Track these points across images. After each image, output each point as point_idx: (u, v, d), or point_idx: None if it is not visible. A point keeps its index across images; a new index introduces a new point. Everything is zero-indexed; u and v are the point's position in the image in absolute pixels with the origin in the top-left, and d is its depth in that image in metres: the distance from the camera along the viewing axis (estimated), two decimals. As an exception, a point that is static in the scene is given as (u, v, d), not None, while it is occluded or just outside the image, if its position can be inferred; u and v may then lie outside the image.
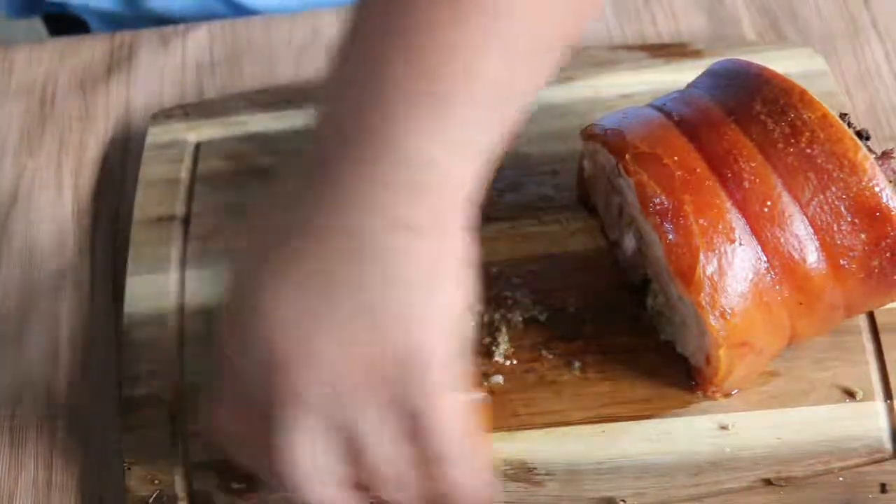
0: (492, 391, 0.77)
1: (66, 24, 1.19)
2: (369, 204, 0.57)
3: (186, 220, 0.88)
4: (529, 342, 0.79)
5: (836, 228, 0.69)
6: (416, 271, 0.57)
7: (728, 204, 0.69)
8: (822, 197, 0.69)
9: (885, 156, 0.73)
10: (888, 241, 0.70)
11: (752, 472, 0.72)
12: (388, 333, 0.56)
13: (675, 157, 0.71)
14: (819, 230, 0.69)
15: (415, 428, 0.58)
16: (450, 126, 0.57)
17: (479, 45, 0.57)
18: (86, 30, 1.15)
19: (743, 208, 0.70)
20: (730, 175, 0.70)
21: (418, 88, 0.57)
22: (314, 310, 0.56)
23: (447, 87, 0.57)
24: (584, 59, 0.92)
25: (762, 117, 0.71)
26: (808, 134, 0.70)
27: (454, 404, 0.58)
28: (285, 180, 0.61)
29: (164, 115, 0.93)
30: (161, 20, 1.04)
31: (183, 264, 0.85)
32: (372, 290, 0.56)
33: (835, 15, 0.97)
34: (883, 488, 0.71)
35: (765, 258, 0.70)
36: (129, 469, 0.75)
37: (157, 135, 0.92)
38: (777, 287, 0.70)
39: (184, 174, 0.90)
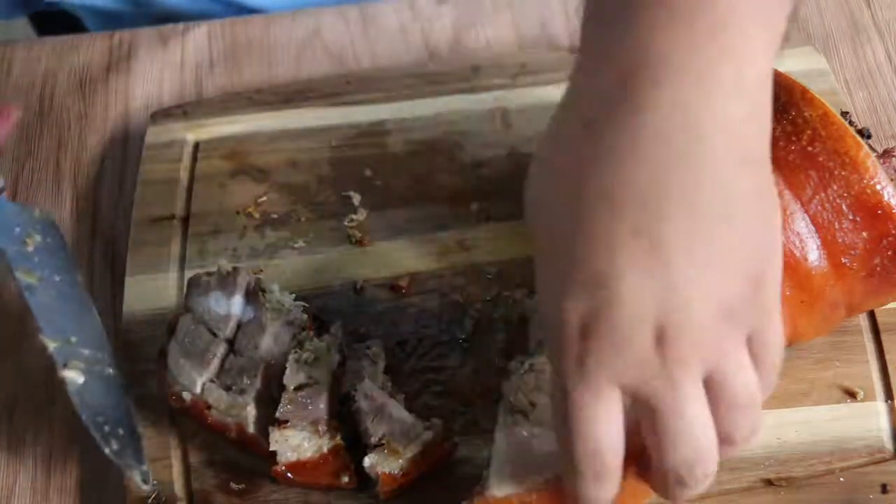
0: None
1: (55, 24, 1.18)
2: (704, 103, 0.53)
3: (186, 220, 0.88)
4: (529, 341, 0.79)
5: (837, 226, 0.69)
6: (760, 202, 0.55)
7: (729, 202, 0.69)
8: (823, 195, 0.69)
9: (886, 154, 0.73)
10: (889, 239, 0.69)
11: (752, 473, 0.72)
12: (749, 263, 0.55)
13: (676, 156, 0.71)
14: (820, 228, 0.69)
15: (754, 349, 0.57)
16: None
17: None
18: (78, 28, 1.14)
19: (744, 207, 0.69)
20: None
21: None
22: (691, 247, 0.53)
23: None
24: (585, 58, 0.92)
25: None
26: (809, 132, 0.70)
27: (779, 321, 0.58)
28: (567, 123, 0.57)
29: (164, 114, 0.93)
30: (160, 18, 1.04)
31: (182, 264, 0.85)
32: (732, 220, 0.54)
33: (836, 14, 0.97)
34: (884, 488, 0.71)
35: (766, 257, 0.69)
36: (128, 469, 0.75)
37: (157, 134, 0.92)
38: (778, 286, 0.70)
39: (183, 174, 0.90)
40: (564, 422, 0.56)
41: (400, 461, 0.70)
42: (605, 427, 0.55)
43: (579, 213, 0.54)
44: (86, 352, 0.76)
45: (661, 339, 0.53)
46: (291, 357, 0.72)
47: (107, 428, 0.72)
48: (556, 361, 0.56)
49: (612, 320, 0.53)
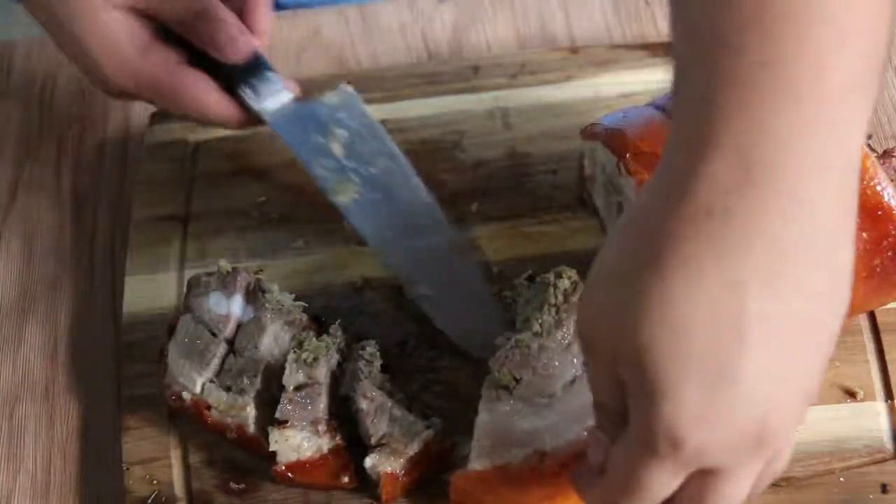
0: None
1: None
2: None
3: (185, 220, 0.88)
4: (529, 342, 0.79)
5: (837, 227, 0.69)
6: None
7: (729, 203, 0.69)
8: (823, 196, 0.69)
9: (886, 155, 0.73)
10: (890, 239, 0.69)
11: (752, 472, 0.72)
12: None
13: (676, 156, 0.71)
14: (820, 229, 0.69)
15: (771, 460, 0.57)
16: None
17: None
18: None
19: (744, 207, 0.69)
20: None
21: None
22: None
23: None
24: (584, 58, 0.92)
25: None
26: (809, 133, 0.70)
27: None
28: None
29: (163, 114, 0.93)
30: None
31: (182, 264, 0.85)
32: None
33: (835, 14, 0.97)
34: (884, 488, 0.71)
35: (766, 257, 0.69)
36: (128, 469, 0.75)
37: (156, 134, 0.92)
38: (778, 286, 0.70)
39: (183, 174, 0.90)
40: (624, 478, 0.56)
41: (401, 460, 0.70)
42: (663, 495, 0.56)
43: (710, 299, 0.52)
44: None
45: (761, 435, 0.53)
46: (290, 357, 0.72)
47: None
48: (643, 431, 0.55)
49: (727, 408, 0.53)
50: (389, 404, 0.72)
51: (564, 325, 0.70)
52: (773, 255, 0.52)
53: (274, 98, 0.82)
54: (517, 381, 0.69)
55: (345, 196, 0.81)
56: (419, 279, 0.79)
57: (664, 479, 0.55)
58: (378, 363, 0.75)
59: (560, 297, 0.71)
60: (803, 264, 0.53)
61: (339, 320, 0.77)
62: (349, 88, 0.83)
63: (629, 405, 0.55)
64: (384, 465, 0.70)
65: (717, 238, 0.52)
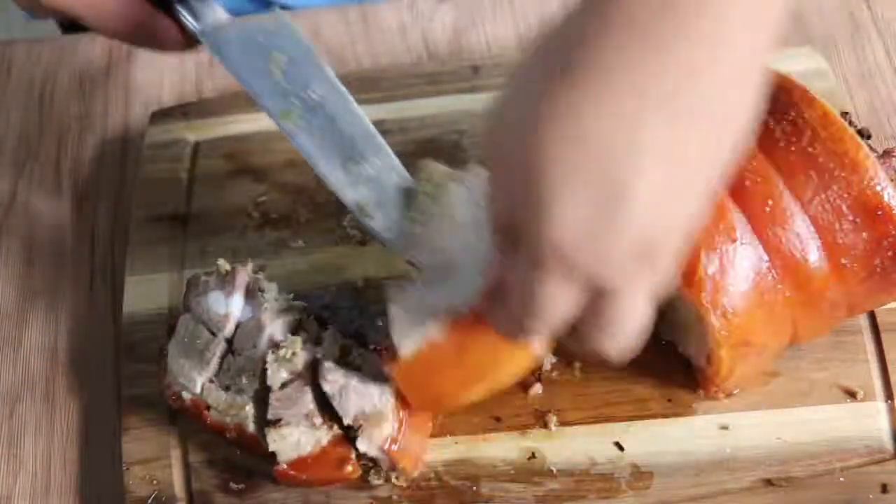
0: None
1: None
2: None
3: (186, 220, 0.88)
4: (529, 342, 0.79)
5: (837, 227, 0.69)
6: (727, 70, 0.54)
7: (729, 203, 0.69)
8: (823, 196, 0.69)
9: (886, 154, 0.73)
10: (890, 239, 0.69)
11: (752, 473, 0.72)
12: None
13: (676, 156, 0.71)
14: (820, 229, 0.69)
15: None
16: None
17: None
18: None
19: (744, 207, 0.69)
20: (730, 174, 0.70)
21: None
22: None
23: None
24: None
25: (763, 116, 0.71)
26: (809, 133, 0.70)
27: None
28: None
29: (163, 114, 0.93)
30: None
31: (182, 264, 0.85)
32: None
33: (835, 13, 0.97)
34: (884, 489, 0.71)
35: (766, 257, 0.69)
36: (128, 469, 0.75)
37: (156, 134, 0.92)
38: (778, 286, 0.70)
39: (183, 174, 0.90)
40: (521, 296, 0.57)
41: (388, 422, 0.71)
42: (562, 311, 0.57)
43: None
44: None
45: (647, 252, 0.54)
46: (270, 358, 0.72)
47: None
48: (532, 247, 0.55)
49: (613, 224, 0.53)
50: (351, 382, 0.72)
51: (444, 209, 0.74)
52: (682, 77, 0.53)
53: (211, 16, 0.79)
54: (414, 265, 0.72)
55: (290, 122, 0.79)
56: (365, 200, 0.78)
57: (558, 295, 0.55)
58: (337, 340, 0.75)
59: (428, 187, 0.75)
60: (709, 87, 0.53)
61: (311, 314, 0.77)
62: (285, 16, 0.81)
63: (520, 220, 0.55)
64: (376, 437, 0.70)
65: (631, 51, 0.53)
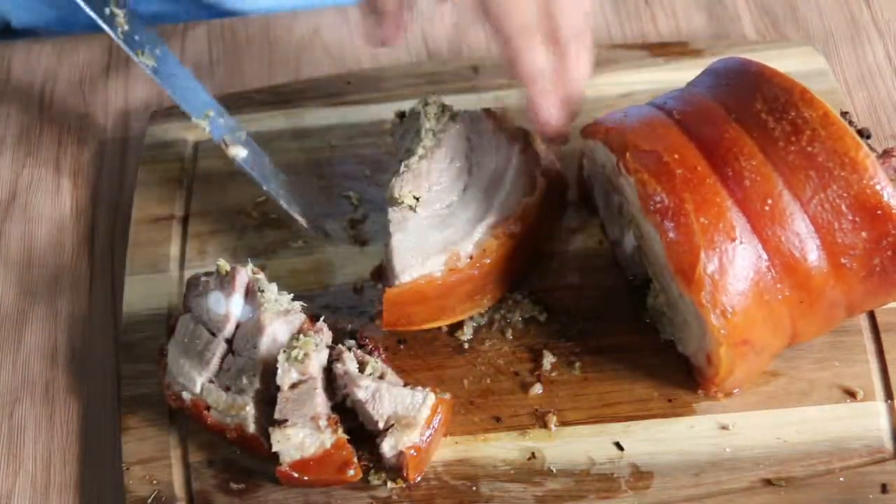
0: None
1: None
2: None
3: (185, 220, 0.88)
4: (530, 342, 0.79)
5: (837, 227, 0.69)
6: None
7: (729, 202, 0.69)
8: (823, 195, 0.69)
9: (886, 154, 0.73)
10: (889, 239, 0.69)
11: (752, 472, 0.72)
12: None
13: (676, 156, 0.71)
14: (820, 228, 0.69)
15: None
16: None
17: None
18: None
19: (744, 206, 0.69)
20: (730, 173, 0.70)
21: None
22: None
23: None
24: (584, 58, 0.92)
25: (763, 115, 0.71)
26: (808, 132, 0.70)
27: None
28: None
29: (163, 114, 0.93)
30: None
31: (182, 264, 0.85)
32: None
33: (835, 14, 0.97)
34: (884, 488, 0.71)
35: (766, 256, 0.69)
36: (128, 469, 0.75)
37: (156, 134, 0.92)
38: (778, 285, 0.70)
39: (182, 174, 0.90)
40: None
41: (417, 430, 0.71)
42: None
43: None
44: (222, 121, 0.86)
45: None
46: (281, 357, 0.72)
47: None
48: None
49: None
50: (383, 386, 0.72)
51: (443, 144, 0.80)
52: None
53: None
54: (417, 199, 0.78)
55: (149, 60, 0.85)
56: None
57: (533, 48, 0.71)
58: (354, 351, 0.75)
59: (433, 121, 0.81)
60: None
61: (322, 317, 0.77)
62: None
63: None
64: (403, 440, 0.70)
65: None
